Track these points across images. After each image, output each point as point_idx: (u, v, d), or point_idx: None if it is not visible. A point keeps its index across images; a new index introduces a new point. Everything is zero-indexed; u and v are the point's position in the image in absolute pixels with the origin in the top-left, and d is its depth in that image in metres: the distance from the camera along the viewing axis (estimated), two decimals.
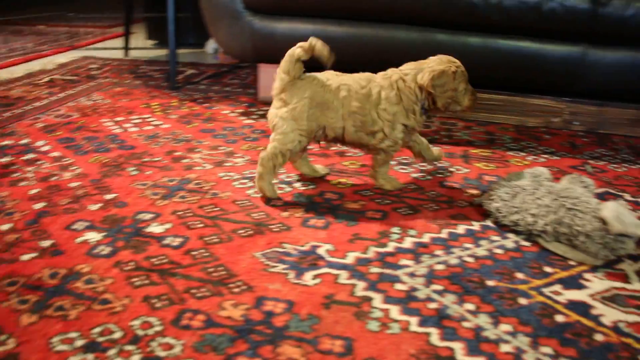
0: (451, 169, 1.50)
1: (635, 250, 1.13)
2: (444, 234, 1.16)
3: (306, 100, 1.28)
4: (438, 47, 1.81)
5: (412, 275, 1.02)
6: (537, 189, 1.16)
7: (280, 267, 1.04)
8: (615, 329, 0.90)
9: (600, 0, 1.69)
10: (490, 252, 1.10)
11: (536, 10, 1.71)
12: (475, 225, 1.20)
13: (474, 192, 1.36)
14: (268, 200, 1.30)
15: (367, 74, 1.34)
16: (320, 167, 1.46)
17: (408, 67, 1.33)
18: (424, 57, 1.87)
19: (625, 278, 1.05)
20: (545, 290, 0.99)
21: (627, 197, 1.40)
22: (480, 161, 1.56)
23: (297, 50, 1.27)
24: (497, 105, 1.93)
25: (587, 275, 1.04)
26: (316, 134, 1.32)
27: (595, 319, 0.92)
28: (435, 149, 1.46)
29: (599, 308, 0.95)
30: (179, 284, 0.99)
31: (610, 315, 0.93)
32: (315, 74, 1.33)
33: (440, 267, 1.04)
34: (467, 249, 1.11)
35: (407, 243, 1.12)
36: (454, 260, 1.07)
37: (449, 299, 0.95)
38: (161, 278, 1.00)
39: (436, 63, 1.30)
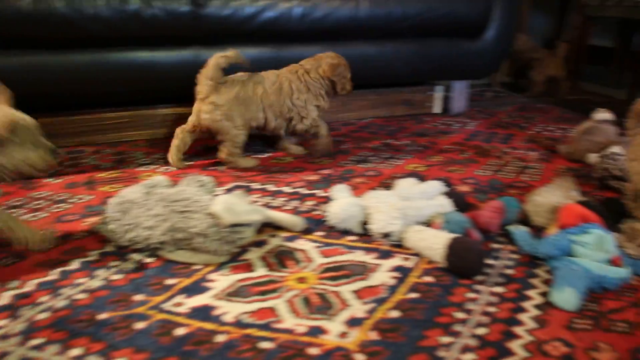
0: (71, 200, 1.34)
1: (257, 237, 1.14)
2: (53, 275, 1.00)
3: (233, 100, 1.52)
4: (42, 69, 1.64)
5: (5, 337, 0.84)
6: (148, 200, 1.08)
7: None
8: (237, 323, 0.86)
9: (198, 2, 1.71)
10: (106, 280, 0.98)
11: (137, 17, 1.65)
12: (93, 255, 1.07)
13: (95, 219, 1.23)
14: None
15: (273, 72, 1.62)
16: (296, 148, 1.74)
17: (308, 63, 1.65)
18: (27, 83, 1.67)
19: (251, 267, 1.03)
20: (166, 306, 0.91)
21: (256, 185, 1.43)
22: (106, 184, 1.43)
23: (221, 60, 1.50)
24: (125, 123, 1.82)
25: (212, 276, 1.00)
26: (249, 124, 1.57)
27: (217, 319, 0.87)
28: (296, 147, 1.74)
29: (221, 307, 0.90)
30: None
31: (233, 310, 0.90)
32: (232, 77, 1.56)
33: (43, 315, 0.88)
34: (79, 285, 0.97)
35: (4, 299, 0.93)
36: (61, 303, 0.91)
37: (50, 352, 0.80)
38: None
39: (330, 58, 1.63)
